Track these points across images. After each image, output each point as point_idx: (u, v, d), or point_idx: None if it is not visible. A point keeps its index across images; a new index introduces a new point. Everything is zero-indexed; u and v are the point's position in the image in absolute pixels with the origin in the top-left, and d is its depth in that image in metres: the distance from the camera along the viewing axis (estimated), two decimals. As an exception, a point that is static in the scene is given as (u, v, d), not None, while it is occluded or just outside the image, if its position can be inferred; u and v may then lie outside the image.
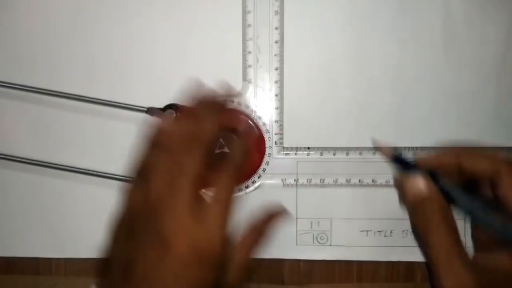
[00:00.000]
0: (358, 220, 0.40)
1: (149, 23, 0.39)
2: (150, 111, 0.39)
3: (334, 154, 0.40)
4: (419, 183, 0.28)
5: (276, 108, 0.40)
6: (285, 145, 0.40)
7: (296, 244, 0.40)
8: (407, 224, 0.40)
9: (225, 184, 0.28)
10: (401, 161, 0.30)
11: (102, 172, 0.39)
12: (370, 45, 0.39)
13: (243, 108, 0.39)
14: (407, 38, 0.39)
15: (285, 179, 0.40)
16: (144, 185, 0.28)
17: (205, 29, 0.39)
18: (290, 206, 0.40)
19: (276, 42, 0.39)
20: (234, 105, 0.39)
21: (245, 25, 0.39)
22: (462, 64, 0.39)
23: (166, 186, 0.27)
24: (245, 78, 0.39)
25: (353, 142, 0.39)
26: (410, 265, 0.40)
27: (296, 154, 0.40)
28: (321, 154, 0.40)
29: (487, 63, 0.39)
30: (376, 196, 0.40)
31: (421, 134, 0.39)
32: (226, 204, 0.28)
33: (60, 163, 0.40)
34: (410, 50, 0.39)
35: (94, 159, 0.40)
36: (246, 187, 0.40)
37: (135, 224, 0.27)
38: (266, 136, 0.40)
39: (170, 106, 0.39)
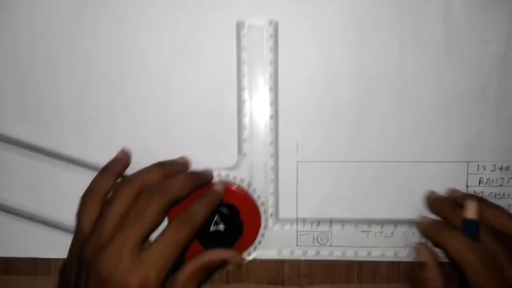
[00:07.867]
0: (358, 220, 0.40)
1: (148, 21, 0.39)
2: None
3: (330, 225, 0.40)
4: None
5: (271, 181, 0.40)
6: (281, 216, 0.40)
7: (297, 244, 0.40)
8: (407, 225, 0.40)
9: (173, 230, 0.31)
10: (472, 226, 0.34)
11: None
12: (370, 45, 0.39)
13: (238, 182, 0.39)
14: (407, 38, 0.39)
15: (281, 251, 0.40)
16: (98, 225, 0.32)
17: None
18: (289, 207, 0.40)
19: (271, 117, 0.39)
20: (229, 180, 0.39)
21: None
22: (462, 64, 0.39)
23: (116, 229, 0.30)
24: (240, 152, 0.39)
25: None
26: (410, 266, 0.40)
27: (291, 225, 0.40)
28: (318, 224, 0.40)
29: (487, 63, 0.39)
30: (377, 196, 0.40)
31: (421, 134, 0.39)
32: (168, 247, 0.31)
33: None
34: (410, 50, 0.39)
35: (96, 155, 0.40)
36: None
37: (81, 265, 0.31)
38: (261, 208, 0.40)
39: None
